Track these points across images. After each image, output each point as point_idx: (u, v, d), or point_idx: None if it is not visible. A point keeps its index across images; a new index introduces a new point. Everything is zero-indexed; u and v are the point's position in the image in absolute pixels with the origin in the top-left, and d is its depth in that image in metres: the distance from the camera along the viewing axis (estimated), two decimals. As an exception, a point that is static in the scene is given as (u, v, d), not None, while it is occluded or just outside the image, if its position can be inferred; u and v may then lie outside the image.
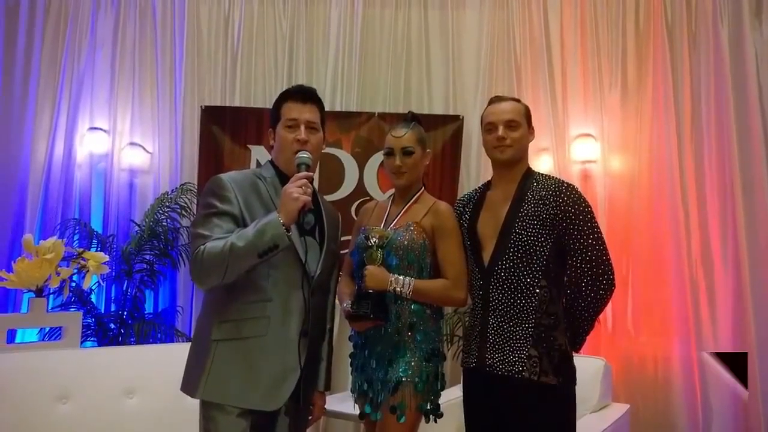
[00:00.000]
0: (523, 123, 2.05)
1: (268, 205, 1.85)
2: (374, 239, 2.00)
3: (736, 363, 3.65)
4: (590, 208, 1.99)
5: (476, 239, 2.05)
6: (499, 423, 1.94)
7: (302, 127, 1.90)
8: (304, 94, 1.95)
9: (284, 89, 2.01)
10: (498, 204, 2.05)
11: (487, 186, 2.16)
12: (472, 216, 2.10)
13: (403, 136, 2.08)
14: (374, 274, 1.97)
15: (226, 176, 1.85)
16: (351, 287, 2.12)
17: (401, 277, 1.98)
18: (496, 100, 2.11)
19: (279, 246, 1.71)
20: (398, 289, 1.96)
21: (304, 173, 1.79)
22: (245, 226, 1.77)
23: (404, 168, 2.08)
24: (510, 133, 2.02)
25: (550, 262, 1.95)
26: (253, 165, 4.12)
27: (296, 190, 1.72)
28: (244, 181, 1.87)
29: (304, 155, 1.85)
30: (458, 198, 2.27)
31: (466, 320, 3.79)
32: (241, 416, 1.76)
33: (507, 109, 2.04)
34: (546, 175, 2.07)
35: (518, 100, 2.11)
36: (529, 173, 2.07)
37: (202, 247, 1.73)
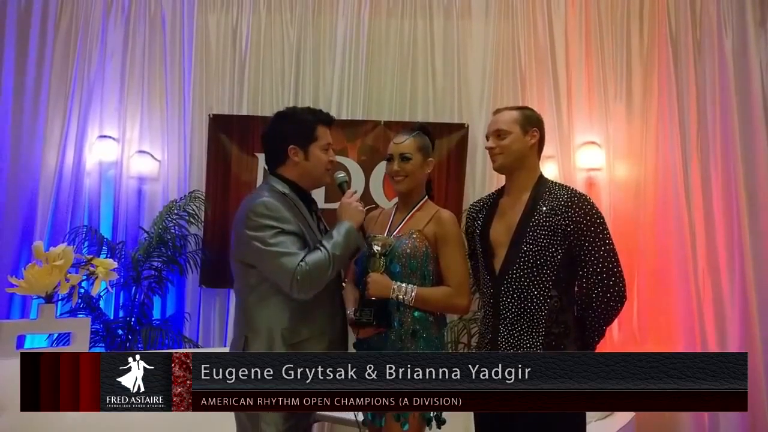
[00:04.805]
0: (514, 130, 2.03)
1: (305, 220, 1.96)
2: (377, 247, 2.02)
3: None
4: (602, 219, 1.97)
5: (488, 246, 2.05)
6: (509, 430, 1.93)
7: (331, 150, 2.08)
8: (331, 120, 2.10)
9: (296, 103, 2.14)
10: (510, 212, 2.05)
11: (500, 193, 2.15)
12: (485, 222, 2.10)
13: (402, 142, 2.12)
14: (377, 281, 1.99)
15: (269, 199, 1.91)
16: (355, 294, 2.13)
17: (404, 285, 2.00)
18: (495, 112, 2.12)
19: (361, 250, 1.98)
20: (401, 296, 1.99)
21: (353, 190, 2.08)
22: (305, 242, 1.90)
23: (402, 173, 2.11)
24: (499, 142, 2.03)
25: (561, 272, 1.94)
26: (260, 173, 4.16)
27: (358, 204, 2.01)
28: (280, 200, 1.94)
29: (342, 175, 2.14)
30: (472, 203, 2.28)
31: (472, 327, 3.84)
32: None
33: (498, 119, 2.07)
34: (559, 184, 2.06)
35: (521, 109, 2.10)
36: (542, 182, 2.05)
37: (302, 262, 1.82)
